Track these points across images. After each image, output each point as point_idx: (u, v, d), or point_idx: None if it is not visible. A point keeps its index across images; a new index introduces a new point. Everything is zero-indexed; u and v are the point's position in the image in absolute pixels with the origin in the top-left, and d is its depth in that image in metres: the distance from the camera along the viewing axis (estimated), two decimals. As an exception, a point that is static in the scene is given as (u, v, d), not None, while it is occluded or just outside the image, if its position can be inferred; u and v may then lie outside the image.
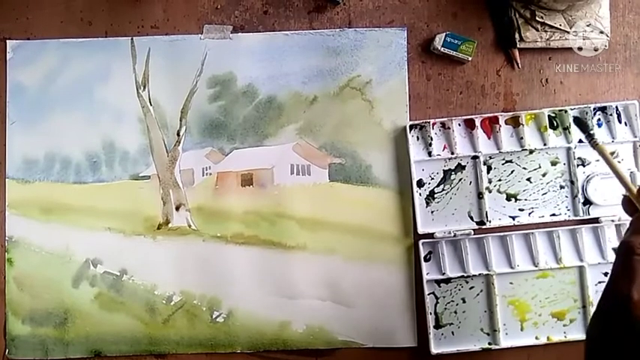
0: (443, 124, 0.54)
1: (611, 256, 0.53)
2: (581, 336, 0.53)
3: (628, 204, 0.38)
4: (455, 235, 0.53)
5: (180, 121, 0.56)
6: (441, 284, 0.54)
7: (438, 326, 0.54)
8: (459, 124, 0.54)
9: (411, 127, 0.54)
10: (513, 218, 0.54)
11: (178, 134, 0.56)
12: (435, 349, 0.53)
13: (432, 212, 0.54)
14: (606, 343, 0.33)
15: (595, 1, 0.53)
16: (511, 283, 0.54)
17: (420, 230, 0.53)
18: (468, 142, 0.54)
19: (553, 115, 0.54)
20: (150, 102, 0.56)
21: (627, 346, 0.31)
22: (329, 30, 0.56)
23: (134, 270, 0.55)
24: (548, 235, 0.54)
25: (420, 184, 0.54)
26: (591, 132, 0.50)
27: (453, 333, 0.54)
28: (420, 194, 0.54)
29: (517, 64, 0.55)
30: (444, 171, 0.54)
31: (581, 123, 0.52)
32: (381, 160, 0.55)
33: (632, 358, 0.31)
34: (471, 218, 0.54)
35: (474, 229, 0.53)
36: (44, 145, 0.56)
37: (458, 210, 0.54)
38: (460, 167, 0.54)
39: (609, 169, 0.44)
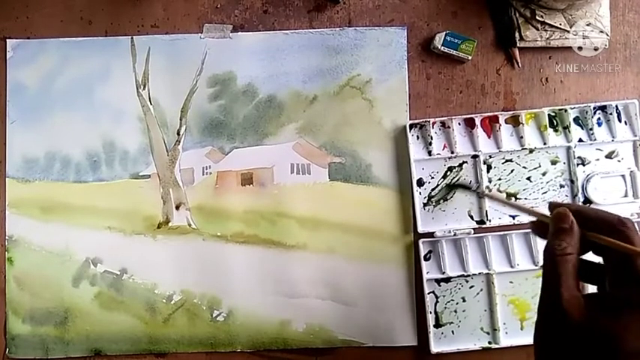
0: (443, 123, 0.54)
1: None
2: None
3: (537, 227, 0.38)
4: (455, 234, 0.53)
5: (180, 120, 0.56)
6: (441, 283, 0.54)
7: (437, 325, 0.54)
8: (459, 123, 0.54)
9: (411, 126, 0.54)
10: (513, 217, 0.54)
11: (178, 133, 0.56)
12: (434, 348, 0.53)
13: (432, 211, 0.54)
14: (549, 346, 0.33)
15: (595, 1, 0.53)
16: (511, 282, 0.54)
17: (420, 229, 0.53)
18: (467, 141, 0.54)
19: (553, 114, 0.54)
20: (150, 101, 0.56)
21: (566, 345, 0.32)
22: (329, 29, 0.56)
23: (134, 269, 0.55)
24: (548, 234, 0.54)
25: (420, 183, 0.54)
26: (474, 189, 0.52)
27: (452, 332, 0.54)
28: (420, 193, 0.54)
29: (517, 63, 0.55)
30: (444, 170, 0.54)
31: (464, 186, 0.54)
32: (381, 159, 0.55)
33: (573, 356, 0.32)
34: (471, 217, 0.54)
35: (474, 228, 0.54)
36: (44, 145, 0.56)
37: (458, 209, 0.54)
38: (460, 166, 0.54)
39: (516, 208, 0.44)
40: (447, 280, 0.54)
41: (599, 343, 0.30)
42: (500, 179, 0.54)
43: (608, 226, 0.34)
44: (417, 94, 0.55)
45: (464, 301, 0.54)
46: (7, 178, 0.56)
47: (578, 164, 0.54)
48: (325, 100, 0.55)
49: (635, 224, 0.34)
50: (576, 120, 0.54)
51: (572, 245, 0.34)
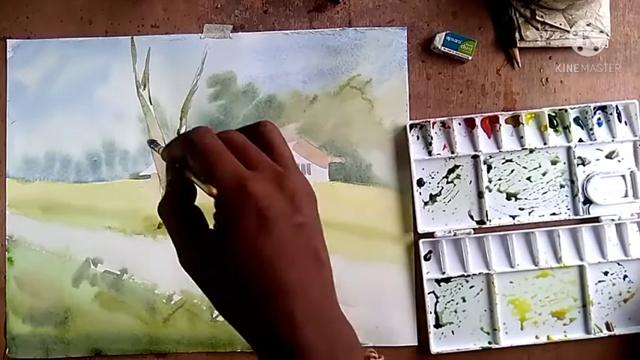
0: (443, 124, 0.54)
1: (612, 256, 0.53)
2: (581, 335, 0.53)
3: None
4: (455, 235, 0.53)
5: (181, 120, 0.56)
6: (441, 283, 0.54)
7: (438, 325, 0.54)
8: (459, 124, 0.54)
9: (411, 126, 0.54)
10: (513, 217, 0.54)
11: (178, 133, 0.56)
12: (435, 349, 0.53)
13: (432, 211, 0.54)
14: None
15: (595, 1, 0.53)
16: (511, 282, 0.54)
17: (420, 229, 0.53)
18: (468, 142, 0.54)
19: (553, 114, 0.54)
20: (150, 101, 0.56)
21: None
22: (329, 29, 0.56)
23: (134, 269, 0.55)
24: (548, 234, 0.54)
25: (420, 183, 0.54)
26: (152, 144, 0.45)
27: (453, 332, 0.54)
28: (420, 193, 0.54)
29: (517, 64, 0.55)
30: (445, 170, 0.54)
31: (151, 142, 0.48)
32: (381, 160, 0.55)
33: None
34: (471, 217, 0.54)
35: (474, 229, 0.54)
36: (44, 145, 0.56)
37: (458, 209, 0.54)
38: (460, 166, 0.54)
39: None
40: (447, 280, 0.54)
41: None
42: (500, 179, 0.54)
43: (256, 134, 0.31)
44: (417, 94, 0.55)
45: (464, 301, 0.54)
46: (7, 178, 0.56)
47: (578, 164, 0.54)
48: (325, 100, 0.55)
49: (275, 125, 0.32)
50: (576, 120, 0.54)
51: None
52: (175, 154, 0.31)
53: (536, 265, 0.53)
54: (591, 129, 0.54)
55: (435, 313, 0.54)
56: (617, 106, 0.54)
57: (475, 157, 0.54)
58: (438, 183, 0.54)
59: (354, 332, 0.32)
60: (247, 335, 0.30)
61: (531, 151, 0.54)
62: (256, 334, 0.30)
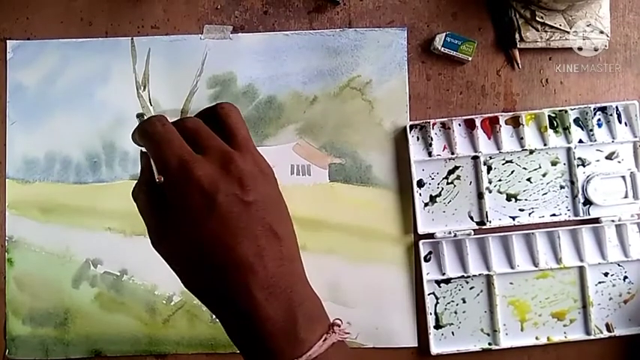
0: (443, 124, 0.54)
1: (612, 257, 0.53)
2: (581, 336, 0.53)
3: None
4: (455, 235, 0.53)
5: (181, 121, 0.56)
6: (441, 284, 0.54)
7: (438, 326, 0.54)
8: (459, 124, 0.54)
9: (411, 127, 0.54)
10: (513, 218, 0.54)
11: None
12: (435, 350, 0.53)
13: (432, 212, 0.54)
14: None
15: (595, 1, 0.53)
16: (511, 283, 0.54)
17: (420, 230, 0.53)
18: (468, 143, 0.54)
19: (553, 115, 0.54)
20: (150, 102, 0.56)
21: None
22: (329, 30, 0.56)
23: (134, 270, 0.55)
24: (548, 235, 0.54)
25: (420, 184, 0.54)
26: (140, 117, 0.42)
27: (453, 333, 0.54)
28: (420, 194, 0.54)
29: (517, 65, 0.55)
30: (445, 171, 0.54)
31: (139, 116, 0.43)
32: (381, 160, 0.55)
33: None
34: (471, 218, 0.54)
35: (474, 229, 0.54)
36: (44, 145, 0.56)
37: (458, 210, 0.54)
38: (460, 167, 0.54)
39: None
40: (447, 281, 0.54)
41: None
42: (500, 180, 0.54)
43: (215, 117, 0.33)
44: (417, 95, 0.55)
45: (464, 302, 0.54)
46: (7, 179, 0.56)
47: (578, 165, 0.54)
48: (325, 101, 0.55)
49: (234, 105, 0.34)
50: (576, 121, 0.54)
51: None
52: (138, 143, 0.33)
53: (536, 266, 0.53)
54: (591, 130, 0.54)
55: (435, 314, 0.54)
56: (617, 107, 0.54)
57: (475, 158, 0.54)
58: (438, 184, 0.54)
59: (320, 304, 0.33)
60: (212, 308, 0.32)
61: (531, 152, 0.54)
62: (218, 307, 0.31)
